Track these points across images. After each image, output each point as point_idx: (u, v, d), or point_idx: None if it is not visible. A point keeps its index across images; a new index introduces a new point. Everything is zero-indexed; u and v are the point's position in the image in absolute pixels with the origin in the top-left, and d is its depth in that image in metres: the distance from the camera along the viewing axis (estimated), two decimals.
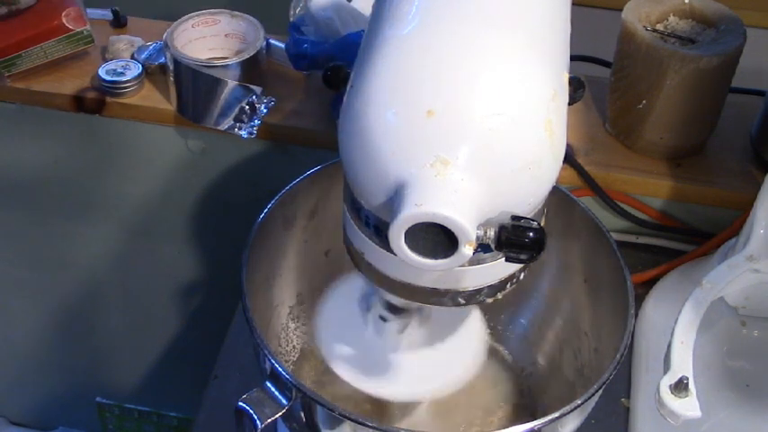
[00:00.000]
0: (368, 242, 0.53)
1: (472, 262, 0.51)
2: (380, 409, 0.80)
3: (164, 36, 0.95)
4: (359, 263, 0.56)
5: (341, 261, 0.79)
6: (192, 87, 0.94)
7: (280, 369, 0.60)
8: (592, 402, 0.63)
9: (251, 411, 0.60)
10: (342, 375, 0.68)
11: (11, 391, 1.51)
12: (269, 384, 0.61)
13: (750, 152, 0.94)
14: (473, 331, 0.72)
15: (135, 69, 0.98)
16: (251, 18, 0.98)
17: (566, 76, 0.53)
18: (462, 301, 0.55)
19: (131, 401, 1.43)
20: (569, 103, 0.53)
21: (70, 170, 1.12)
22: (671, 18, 0.90)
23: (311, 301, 0.83)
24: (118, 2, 1.08)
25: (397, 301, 0.64)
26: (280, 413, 0.60)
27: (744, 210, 0.84)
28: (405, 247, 0.46)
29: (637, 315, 0.85)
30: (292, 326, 0.81)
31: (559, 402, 0.70)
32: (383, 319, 0.66)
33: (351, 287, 0.71)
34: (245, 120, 0.93)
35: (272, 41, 1.00)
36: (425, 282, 0.54)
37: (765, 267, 0.75)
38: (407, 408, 0.81)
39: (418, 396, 0.71)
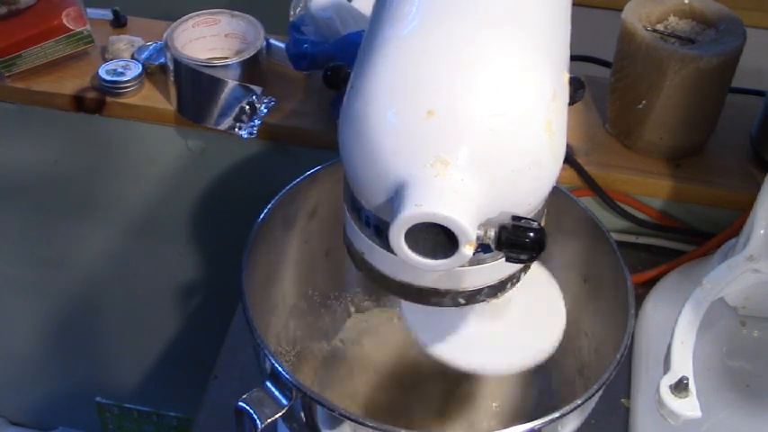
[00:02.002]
0: (368, 242, 0.53)
1: (472, 262, 0.51)
2: (381, 409, 0.80)
3: (164, 36, 0.95)
4: (359, 263, 0.56)
5: (341, 261, 0.79)
6: (191, 87, 0.94)
7: (280, 369, 0.60)
8: (592, 402, 0.63)
9: (251, 411, 0.60)
10: (430, 348, 0.67)
11: (11, 392, 1.51)
12: (269, 384, 0.61)
13: (750, 152, 0.94)
14: (554, 300, 0.72)
15: (135, 69, 0.98)
16: (251, 18, 0.98)
17: (566, 77, 0.53)
18: (462, 302, 0.55)
19: (131, 401, 1.43)
20: (569, 104, 0.53)
21: (70, 170, 1.12)
22: (671, 18, 0.90)
23: (311, 301, 0.83)
24: (118, 2, 1.08)
25: None
26: (280, 413, 0.60)
27: (744, 210, 0.84)
28: (405, 248, 0.46)
29: (637, 315, 0.85)
30: (292, 326, 0.81)
31: (559, 402, 0.70)
32: None
33: None
34: (245, 120, 0.93)
35: (272, 41, 1.00)
36: (425, 282, 0.54)
37: (765, 267, 0.75)
38: (407, 407, 0.81)
39: (505, 368, 0.70)
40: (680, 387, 0.62)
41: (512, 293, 0.66)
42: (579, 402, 0.60)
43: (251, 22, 0.98)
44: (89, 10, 1.02)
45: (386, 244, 0.48)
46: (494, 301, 0.66)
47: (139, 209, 1.15)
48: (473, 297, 0.55)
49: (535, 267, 0.71)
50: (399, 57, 0.48)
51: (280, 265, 0.77)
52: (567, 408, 0.59)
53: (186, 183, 1.09)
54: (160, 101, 0.98)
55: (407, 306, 0.70)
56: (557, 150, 0.49)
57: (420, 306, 0.68)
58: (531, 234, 0.47)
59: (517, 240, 0.47)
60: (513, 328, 0.68)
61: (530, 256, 0.48)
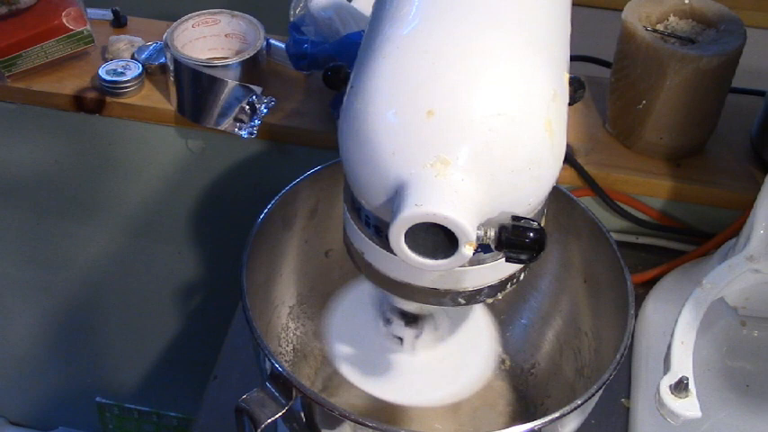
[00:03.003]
0: (368, 242, 0.53)
1: (472, 262, 0.51)
2: (380, 410, 0.80)
3: (164, 36, 0.95)
4: (359, 263, 0.56)
5: (341, 261, 0.79)
6: (191, 87, 0.94)
7: (280, 369, 0.60)
8: (592, 402, 0.63)
9: (251, 411, 0.60)
10: (350, 379, 0.68)
11: (11, 391, 1.51)
12: (269, 384, 0.61)
13: (750, 152, 0.94)
14: (485, 338, 0.72)
15: (135, 69, 0.98)
16: (251, 18, 0.98)
17: (566, 77, 0.53)
18: (462, 302, 0.55)
19: (131, 401, 1.43)
20: (569, 104, 0.53)
21: (70, 170, 1.12)
22: (671, 18, 0.90)
23: (311, 301, 0.83)
24: (118, 2, 1.08)
25: (408, 307, 0.64)
26: (280, 413, 0.60)
27: (744, 210, 0.84)
28: (405, 248, 0.46)
29: (637, 315, 0.85)
30: (292, 326, 0.81)
31: (559, 402, 0.70)
32: (389, 322, 0.66)
33: (361, 291, 0.71)
34: (245, 120, 0.93)
35: (272, 41, 1.00)
36: (425, 282, 0.54)
37: (765, 267, 0.75)
38: (407, 407, 0.81)
39: (429, 402, 0.71)
40: (680, 387, 0.62)
41: (445, 328, 0.67)
42: (579, 402, 0.60)
43: (251, 22, 0.98)
44: (89, 10, 1.02)
45: (386, 244, 0.48)
46: (425, 335, 0.67)
47: (139, 209, 1.15)
48: (473, 297, 0.55)
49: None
50: (399, 57, 0.48)
51: (280, 265, 0.77)
52: (567, 408, 0.59)
53: (186, 183, 1.09)
54: (160, 101, 0.98)
55: (333, 340, 0.71)
56: (557, 150, 0.49)
57: (347, 339, 0.69)
58: (531, 234, 0.47)
59: (517, 240, 0.47)
60: (440, 363, 0.69)
61: (530, 256, 0.48)
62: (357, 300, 0.71)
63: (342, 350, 0.69)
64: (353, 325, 0.70)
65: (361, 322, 0.70)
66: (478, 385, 0.69)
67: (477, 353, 0.71)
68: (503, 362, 0.85)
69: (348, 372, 0.68)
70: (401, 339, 0.66)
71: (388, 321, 0.66)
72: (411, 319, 0.66)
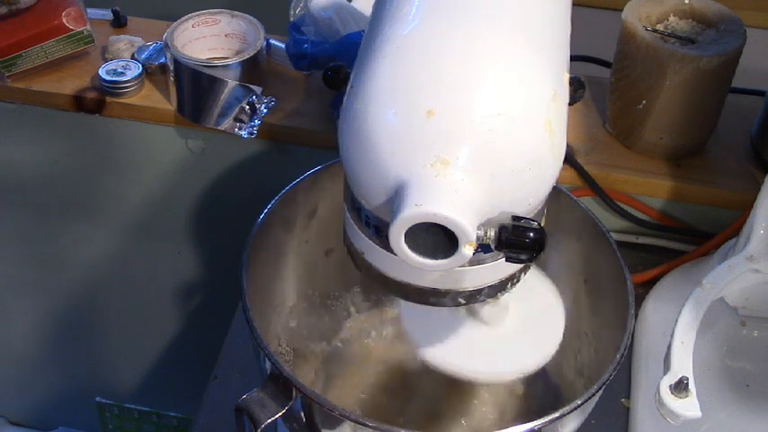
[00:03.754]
0: (368, 242, 0.53)
1: (472, 262, 0.51)
2: (381, 409, 0.80)
3: (164, 36, 0.95)
4: (359, 263, 0.56)
5: (341, 261, 0.79)
6: (191, 87, 0.94)
7: (280, 369, 0.60)
8: (592, 402, 0.63)
9: (251, 411, 0.60)
10: (428, 358, 0.68)
11: (11, 391, 1.51)
12: (269, 384, 0.61)
13: (750, 152, 0.94)
14: (552, 307, 0.72)
15: (135, 69, 0.98)
16: (251, 18, 0.98)
17: (566, 77, 0.53)
18: (462, 302, 0.55)
19: (131, 401, 1.43)
20: (569, 104, 0.53)
21: (70, 170, 1.12)
22: (671, 18, 0.90)
23: (311, 301, 0.83)
24: (118, 2, 1.08)
25: None
26: (280, 413, 0.60)
27: (744, 210, 0.84)
28: (405, 248, 0.46)
29: (637, 315, 0.85)
30: (292, 326, 0.81)
31: (559, 402, 0.70)
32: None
33: None
34: (245, 120, 0.93)
35: (272, 41, 1.00)
36: (425, 282, 0.54)
37: (765, 267, 0.75)
38: (407, 407, 0.81)
39: (503, 376, 0.71)
40: (680, 387, 0.62)
41: (509, 300, 0.67)
42: (579, 402, 0.60)
43: (251, 22, 0.98)
44: (89, 10, 1.02)
45: (386, 244, 0.48)
46: (491, 308, 0.67)
47: (139, 209, 1.15)
48: (473, 297, 0.55)
49: (535, 273, 0.71)
50: (399, 57, 0.48)
51: (280, 265, 0.77)
52: (567, 408, 0.59)
53: (186, 183, 1.09)
54: (160, 101, 0.98)
55: (405, 313, 0.71)
56: (557, 150, 0.49)
57: (417, 313, 0.68)
58: (531, 234, 0.47)
59: (517, 240, 0.47)
60: (510, 335, 0.69)
61: (530, 256, 0.48)
62: None
63: (414, 326, 0.69)
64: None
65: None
66: (545, 358, 0.69)
67: (544, 325, 0.71)
68: None
69: (422, 346, 0.68)
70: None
71: None
72: None
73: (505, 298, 0.66)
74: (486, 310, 0.68)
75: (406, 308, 0.71)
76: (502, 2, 0.51)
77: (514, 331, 0.69)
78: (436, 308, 0.67)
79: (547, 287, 0.73)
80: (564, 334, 0.79)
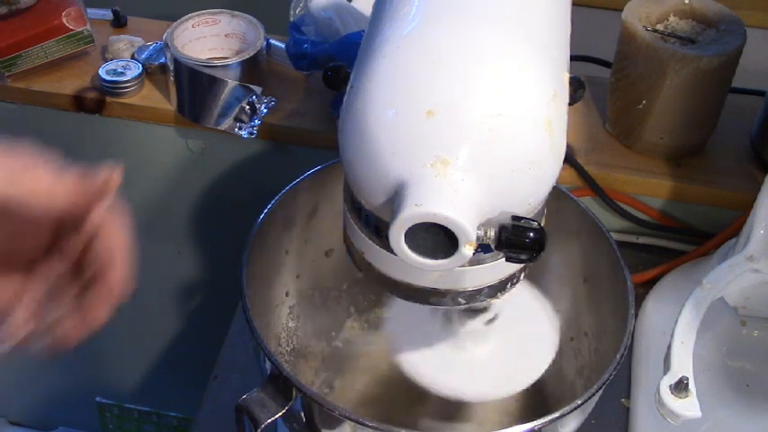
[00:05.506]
0: (368, 242, 0.53)
1: (472, 262, 0.51)
2: (381, 409, 0.80)
3: (164, 36, 0.95)
4: (359, 262, 0.56)
5: (341, 261, 0.79)
6: (192, 87, 0.94)
7: (280, 369, 0.60)
8: (592, 402, 0.63)
9: (251, 411, 0.60)
10: (411, 375, 0.68)
11: (11, 391, 1.51)
12: (269, 384, 0.61)
13: (750, 152, 0.94)
14: (543, 325, 0.72)
15: (135, 69, 0.98)
16: (251, 18, 0.98)
17: (566, 77, 0.53)
18: (462, 302, 0.55)
19: (131, 401, 1.43)
20: (569, 104, 0.53)
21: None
22: (671, 18, 0.90)
23: (311, 301, 0.83)
24: (118, 2, 1.08)
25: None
26: (280, 413, 0.60)
27: (744, 210, 0.84)
28: (405, 247, 0.46)
29: (637, 315, 0.85)
30: (292, 326, 0.81)
31: (559, 402, 0.70)
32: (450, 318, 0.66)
33: None
34: (245, 120, 0.93)
35: (272, 41, 1.00)
36: (425, 282, 0.54)
37: (765, 267, 0.75)
38: (407, 407, 0.81)
39: (490, 395, 0.71)
40: (680, 387, 0.62)
41: (500, 317, 0.67)
42: (579, 402, 0.60)
43: (251, 22, 0.98)
44: (89, 10, 1.02)
45: (386, 244, 0.48)
46: (478, 326, 0.67)
47: (139, 209, 1.15)
48: (473, 297, 0.55)
49: (526, 288, 0.71)
50: (399, 56, 0.48)
51: (280, 265, 0.77)
52: (567, 408, 0.59)
53: (186, 183, 1.09)
54: (160, 101, 0.98)
55: (392, 330, 0.71)
56: (557, 150, 0.49)
57: (404, 330, 0.68)
58: (531, 234, 0.47)
59: (517, 240, 0.47)
60: (498, 354, 0.69)
61: (530, 256, 0.48)
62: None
63: (402, 346, 0.69)
64: (413, 320, 0.70)
65: (420, 316, 0.70)
66: (537, 375, 0.69)
67: (537, 341, 0.71)
68: None
69: (409, 368, 0.68)
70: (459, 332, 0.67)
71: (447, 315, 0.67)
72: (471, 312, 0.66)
73: (499, 313, 0.66)
74: (473, 329, 0.68)
75: (392, 328, 0.72)
76: (502, 2, 0.51)
77: (502, 351, 0.69)
78: (423, 325, 0.68)
79: (540, 304, 0.73)
80: (564, 334, 0.79)
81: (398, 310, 0.72)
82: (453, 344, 0.68)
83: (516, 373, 0.68)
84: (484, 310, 0.66)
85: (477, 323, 0.67)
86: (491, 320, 0.67)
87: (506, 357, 0.69)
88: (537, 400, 0.81)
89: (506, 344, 0.69)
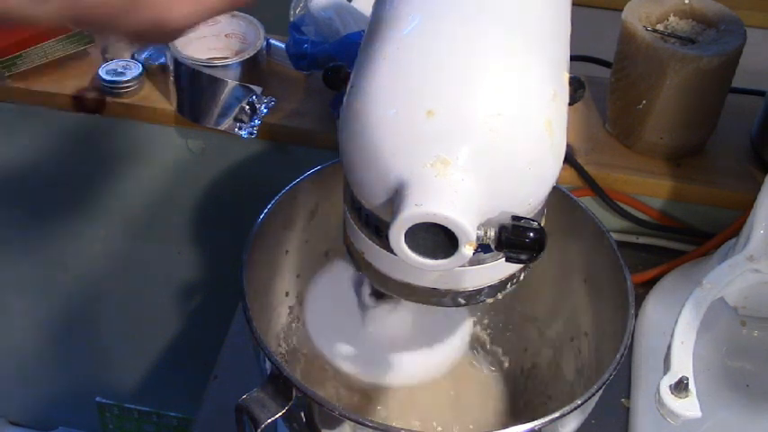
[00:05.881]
0: (368, 242, 0.53)
1: (472, 262, 0.51)
2: (379, 406, 0.80)
3: None
4: (359, 263, 0.56)
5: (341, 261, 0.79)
6: (192, 87, 0.94)
7: (280, 369, 0.60)
8: (592, 402, 0.63)
9: (251, 411, 0.60)
10: (331, 360, 0.69)
11: (11, 391, 1.51)
12: (269, 384, 0.61)
13: (750, 152, 0.94)
14: (457, 319, 0.73)
15: (135, 69, 0.98)
16: (251, 18, 0.98)
17: (566, 77, 0.53)
18: (462, 302, 0.55)
19: (131, 401, 1.43)
20: (569, 104, 0.53)
21: (70, 170, 1.12)
22: (671, 18, 0.90)
23: None
24: None
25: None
26: (280, 413, 0.60)
27: (744, 210, 0.84)
28: (405, 248, 0.46)
29: (637, 315, 0.85)
30: (293, 326, 0.81)
31: (559, 402, 0.70)
32: (368, 304, 0.67)
33: (339, 273, 0.72)
34: (245, 120, 0.93)
35: (272, 41, 1.00)
36: (425, 282, 0.54)
37: (765, 267, 0.75)
38: (409, 406, 0.81)
39: (403, 381, 0.71)
40: (680, 387, 0.62)
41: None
42: (579, 402, 0.60)
43: (251, 22, 0.98)
44: None
45: (386, 244, 0.48)
46: (389, 313, 0.68)
47: (139, 209, 1.15)
48: (473, 297, 0.55)
49: None
50: (399, 57, 0.48)
51: (280, 265, 0.77)
52: (567, 408, 0.59)
53: (186, 183, 1.09)
54: (160, 101, 0.98)
55: (311, 323, 0.71)
56: (557, 150, 0.49)
57: (324, 321, 0.69)
58: (531, 234, 0.47)
59: (517, 240, 0.47)
60: (412, 341, 0.69)
61: (530, 256, 0.48)
62: (334, 281, 0.72)
63: (324, 335, 0.70)
64: (331, 308, 0.71)
65: (337, 299, 0.71)
66: (451, 364, 0.70)
67: (451, 331, 0.72)
68: (502, 362, 0.85)
69: (327, 352, 0.69)
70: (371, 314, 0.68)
71: (362, 297, 0.68)
72: (380, 295, 0.66)
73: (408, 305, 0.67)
74: (383, 314, 0.68)
75: (311, 322, 0.72)
76: (502, 2, 0.51)
77: (418, 339, 0.70)
78: (338, 312, 0.68)
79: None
80: (564, 334, 0.79)
81: (319, 295, 0.73)
82: (366, 331, 0.69)
83: (429, 361, 0.70)
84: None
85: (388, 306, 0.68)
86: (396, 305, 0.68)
87: (421, 344, 0.70)
88: (537, 399, 0.81)
89: (421, 331, 0.70)
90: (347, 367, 0.69)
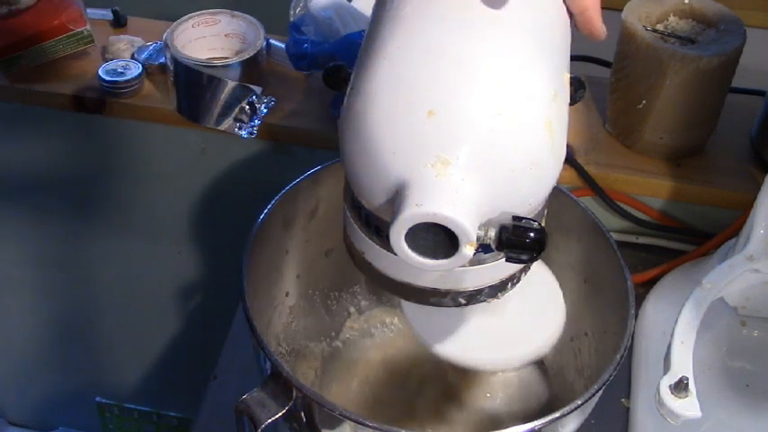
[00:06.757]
0: (368, 242, 0.53)
1: (473, 262, 0.51)
2: (381, 409, 0.80)
3: (164, 36, 0.95)
4: (359, 263, 0.56)
5: (341, 261, 0.79)
6: (191, 87, 0.94)
7: (280, 369, 0.60)
8: (592, 402, 0.63)
9: (251, 411, 0.60)
10: (430, 345, 0.68)
11: (11, 391, 1.51)
12: (269, 384, 0.61)
13: (750, 152, 0.94)
14: (552, 299, 0.72)
15: (135, 69, 0.98)
16: (251, 18, 0.98)
17: (566, 77, 0.53)
18: (463, 302, 0.55)
19: (131, 401, 1.43)
20: (570, 104, 0.53)
21: (70, 170, 1.12)
22: (671, 18, 0.90)
23: (311, 301, 0.83)
24: (118, 2, 1.08)
25: None
26: (280, 413, 0.60)
27: (744, 210, 0.84)
28: (405, 248, 0.46)
29: (637, 315, 0.85)
30: (292, 326, 0.81)
31: (559, 402, 0.70)
32: None
33: None
34: (245, 120, 0.93)
35: (272, 41, 1.00)
36: (426, 282, 0.54)
37: (765, 267, 0.75)
38: (408, 408, 0.81)
39: (500, 364, 0.71)
40: (680, 387, 0.62)
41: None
42: (579, 402, 0.60)
43: (251, 22, 0.98)
44: (89, 10, 1.02)
45: (386, 244, 0.48)
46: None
47: (139, 209, 1.15)
48: (474, 297, 0.55)
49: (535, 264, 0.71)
50: (400, 57, 0.48)
51: (280, 265, 0.77)
52: (567, 408, 0.59)
53: (186, 183, 1.09)
54: (160, 101, 0.98)
55: (409, 304, 0.70)
56: (557, 150, 0.49)
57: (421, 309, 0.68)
58: (532, 234, 0.47)
59: (518, 240, 0.47)
60: (512, 323, 0.69)
61: (530, 257, 0.48)
62: None
63: (417, 316, 0.69)
64: None
65: None
66: (548, 345, 0.69)
67: (545, 313, 0.71)
68: None
69: (426, 336, 0.68)
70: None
71: None
72: None
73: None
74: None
75: (408, 303, 0.72)
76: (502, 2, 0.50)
77: (516, 320, 0.69)
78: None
79: (547, 276, 0.73)
80: (564, 333, 0.79)
81: None
82: (468, 314, 0.68)
83: (529, 343, 0.69)
84: None
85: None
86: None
87: (520, 326, 0.69)
88: (536, 399, 0.81)
89: (520, 314, 0.69)
90: (447, 352, 0.68)
